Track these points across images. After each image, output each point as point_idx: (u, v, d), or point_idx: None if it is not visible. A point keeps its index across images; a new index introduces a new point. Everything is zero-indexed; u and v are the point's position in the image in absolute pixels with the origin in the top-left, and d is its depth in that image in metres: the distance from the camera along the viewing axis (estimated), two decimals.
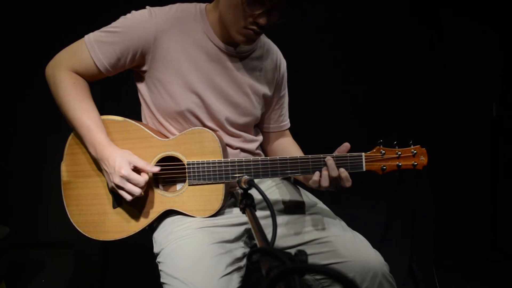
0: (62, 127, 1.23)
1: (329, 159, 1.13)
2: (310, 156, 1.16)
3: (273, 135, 1.47)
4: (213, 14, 1.21)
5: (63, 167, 1.23)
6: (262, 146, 1.48)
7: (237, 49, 1.25)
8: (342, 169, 1.12)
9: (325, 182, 1.13)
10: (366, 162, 1.16)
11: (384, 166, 1.17)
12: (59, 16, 2.28)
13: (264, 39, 1.35)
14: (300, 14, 1.19)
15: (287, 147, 1.45)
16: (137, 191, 1.09)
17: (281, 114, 1.46)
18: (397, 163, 1.17)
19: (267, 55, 1.32)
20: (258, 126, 1.46)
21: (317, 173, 1.15)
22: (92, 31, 1.19)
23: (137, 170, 1.11)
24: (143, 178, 1.09)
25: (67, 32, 1.30)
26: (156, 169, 1.13)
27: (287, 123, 1.49)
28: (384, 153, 1.17)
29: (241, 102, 1.28)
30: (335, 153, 1.16)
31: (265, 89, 1.33)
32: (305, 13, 2.22)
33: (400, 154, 1.17)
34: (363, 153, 1.16)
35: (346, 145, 1.16)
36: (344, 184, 1.13)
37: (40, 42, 2.23)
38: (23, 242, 2.32)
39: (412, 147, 1.18)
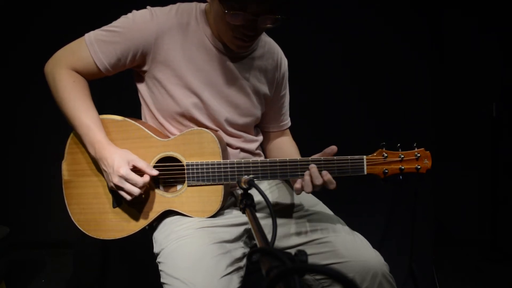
0: (62, 127, 1.22)
1: (313, 167, 1.09)
2: (310, 158, 1.13)
3: (273, 134, 1.47)
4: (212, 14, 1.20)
5: (64, 166, 1.23)
6: (261, 145, 1.47)
7: None
8: (324, 172, 1.09)
9: (308, 188, 1.09)
10: (367, 165, 1.12)
11: (386, 169, 1.12)
12: (59, 16, 2.28)
13: (265, 38, 1.34)
14: (293, 14, 1.15)
15: (283, 146, 1.44)
16: (136, 191, 1.09)
17: (282, 113, 1.45)
18: (400, 166, 1.12)
19: (268, 54, 1.32)
20: (259, 126, 1.46)
21: (299, 182, 1.11)
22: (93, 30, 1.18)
23: (136, 169, 1.11)
24: (141, 179, 1.09)
25: (68, 32, 1.29)
26: (155, 173, 1.13)
27: (287, 122, 1.49)
28: (387, 156, 1.12)
29: (241, 102, 1.27)
30: (322, 156, 1.12)
31: (265, 89, 1.32)
32: (302, 13, 2.22)
33: (403, 157, 1.12)
34: (364, 156, 1.12)
35: (332, 148, 1.11)
36: (328, 187, 1.09)
37: (41, 42, 2.22)
38: (23, 242, 2.32)
39: (415, 150, 1.13)
